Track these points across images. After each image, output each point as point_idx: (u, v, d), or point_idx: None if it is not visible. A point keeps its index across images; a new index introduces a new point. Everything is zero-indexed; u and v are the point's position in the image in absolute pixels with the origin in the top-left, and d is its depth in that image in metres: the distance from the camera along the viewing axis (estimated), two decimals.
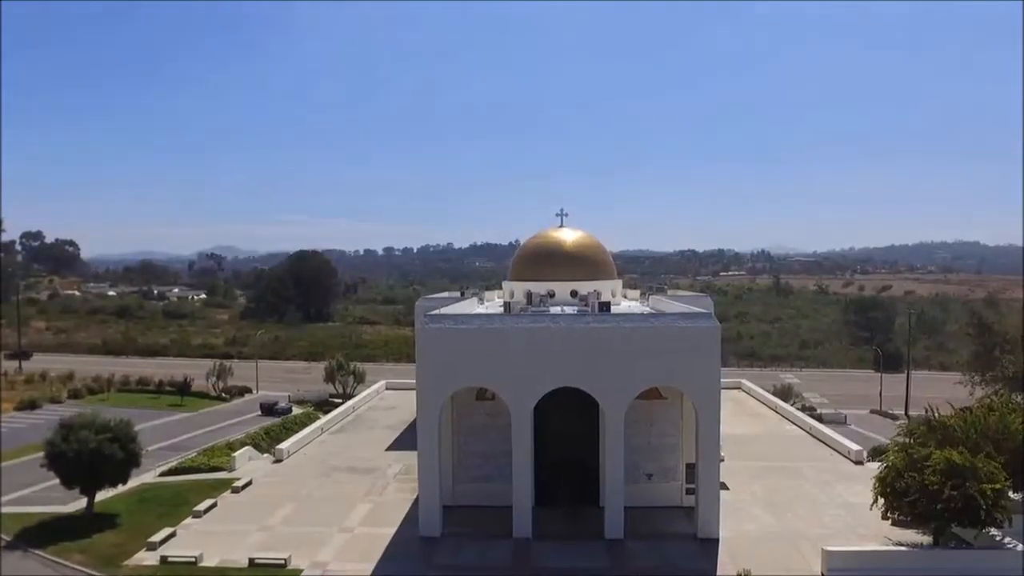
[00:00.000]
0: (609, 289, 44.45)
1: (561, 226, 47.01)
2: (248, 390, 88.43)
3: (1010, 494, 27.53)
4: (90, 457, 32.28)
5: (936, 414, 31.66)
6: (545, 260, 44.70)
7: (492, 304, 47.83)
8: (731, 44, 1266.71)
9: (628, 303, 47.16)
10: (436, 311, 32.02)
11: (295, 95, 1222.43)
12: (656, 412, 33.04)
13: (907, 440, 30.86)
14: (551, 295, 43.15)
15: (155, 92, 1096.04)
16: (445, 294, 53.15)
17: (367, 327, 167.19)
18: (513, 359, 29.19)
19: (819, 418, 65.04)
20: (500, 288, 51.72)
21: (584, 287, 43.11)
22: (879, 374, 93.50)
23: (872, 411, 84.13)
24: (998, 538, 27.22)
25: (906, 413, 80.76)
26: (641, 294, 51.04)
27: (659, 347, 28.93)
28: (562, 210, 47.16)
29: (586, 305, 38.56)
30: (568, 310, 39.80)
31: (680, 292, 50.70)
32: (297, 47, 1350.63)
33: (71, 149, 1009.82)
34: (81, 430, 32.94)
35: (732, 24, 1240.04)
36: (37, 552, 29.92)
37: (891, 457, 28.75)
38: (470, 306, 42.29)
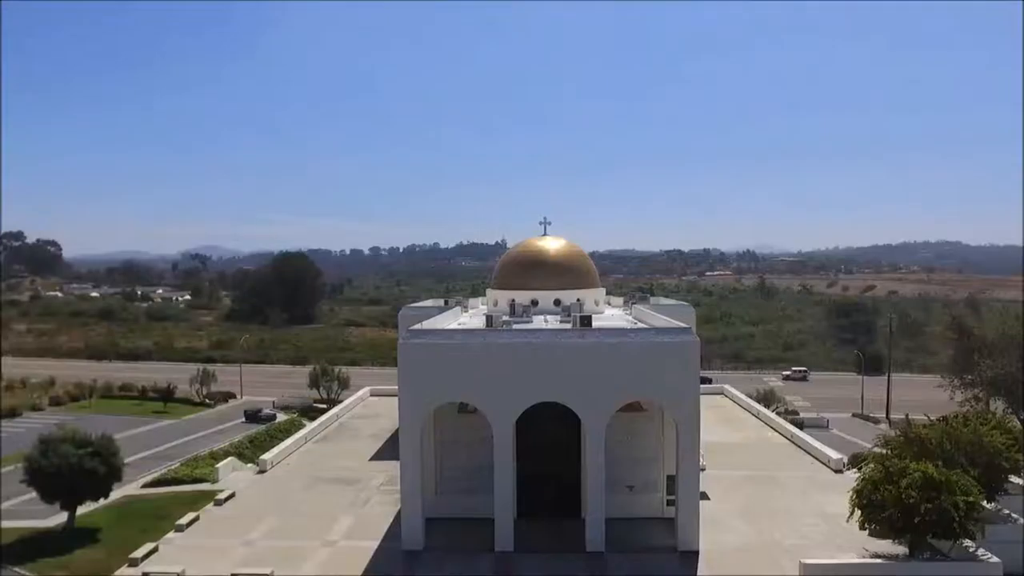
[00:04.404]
0: (592, 298, 44.74)
1: (544, 234, 47.21)
2: (232, 396, 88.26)
3: (983, 503, 28.01)
4: (71, 472, 32.09)
5: (911, 427, 32.02)
6: (528, 269, 44.90)
7: (476, 312, 48.00)
8: (717, 44, 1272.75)
9: (611, 311, 47.48)
10: (417, 325, 32.09)
11: (281, 94, 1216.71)
12: (637, 424, 33.27)
13: (884, 451, 31.34)
14: (534, 304, 43.40)
15: (138, 90, 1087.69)
16: (429, 302, 53.17)
17: (352, 329, 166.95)
18: (494, 374, 29.35)
19: (801, 423, 65.76)
20: (485, 293, 51.91)
21: (567, 296, 43.37)
22: (861, 377, 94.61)
23: (854, 415, 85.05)
24: (972, 549, 27.64)
25: (887, 417, 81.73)
26: (624, 302, 51.31)
27: (639, 362, 29.19)
28: (545, 218, 47.47)
29: (568, 315, 38.77)
30: (551, 319, 40.11)
31: (663, 301, 50.88)
32: (284, 46, 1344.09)
33: (52, 147, 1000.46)
34: (61, 445, 32.77)
35: (719, 23, 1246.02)
36: (16, 569, 29.71)
37: (868, 469, 29.14)
38: (453, 316, 42.43)
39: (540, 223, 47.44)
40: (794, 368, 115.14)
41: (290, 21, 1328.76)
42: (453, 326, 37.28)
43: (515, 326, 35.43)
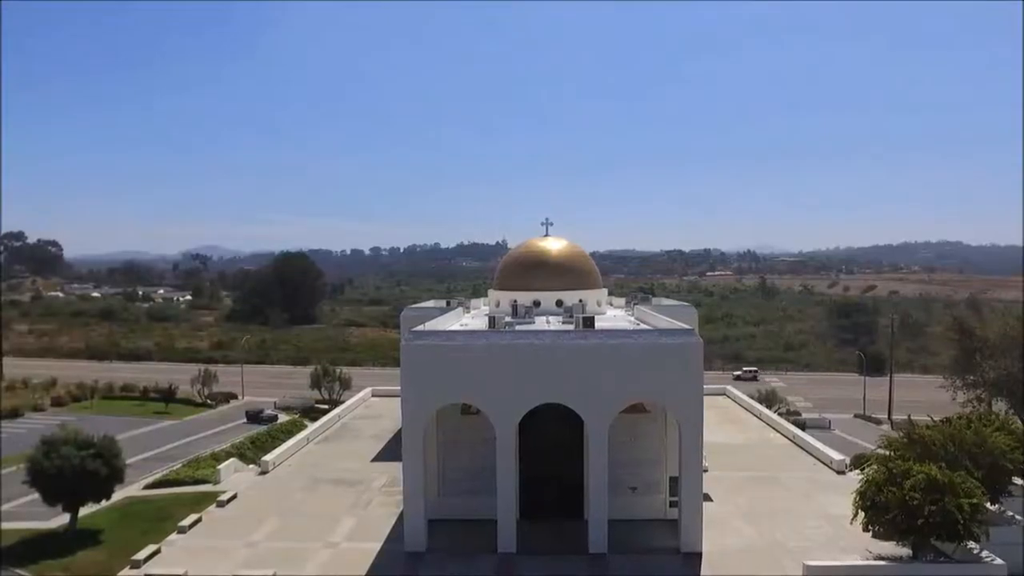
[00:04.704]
0: (594, 299, 44.69)
1: (546, 235, 47.18)
2: (234, 396, 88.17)
3: (987, 504, 27.95)
4: (73, 474, 32.03)
5: (914, 428, 31.94)
6: (530, 270, 44.86)
7: (478, 313, 47.97)
8: (717, 44, 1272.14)
9: (613, 312, 47.41)
10: (420, 327, 32.04)
11: (281, 93, 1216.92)
12: (640, 426, 33.20)
13: (887, 453, 31.26)
14: (536, 305, 43.33)
15: (138, 90, 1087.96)
16: (431, 303, 53.17)
17: (353, 329, 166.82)
18: (497, 376, 29.29)
19: (803, 424, 65.73)
20: (486, 294, 51.82)
21: (569, 297, 43.31)
22: (863, 377, 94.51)
23: (856, 415, 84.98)
24: (976, 551, 27.59)
25: (889, 417, 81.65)
26: (626, 303, 51.24)
27: (642, 363, 29.11)
28: (547, 219, 47.45)
29: (571, 316, 38.71)
30: (553, 320, 40.04)
31: (664, 301, 50.82)
32: (283, 45, 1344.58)
33: (52, 147, 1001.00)
34: (63, 446, 32.70)
35: (719, 23, 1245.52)
36: (18, 571, 29.67)
37: (871, 471, 29.07)
38: (455, 317, 42.37)
39: (542, 224, 47.45)
40: (744, 368, 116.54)
41: (290, 21, 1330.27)
42: (455, 327, 37.23)
43: (517, 327, 35.39)
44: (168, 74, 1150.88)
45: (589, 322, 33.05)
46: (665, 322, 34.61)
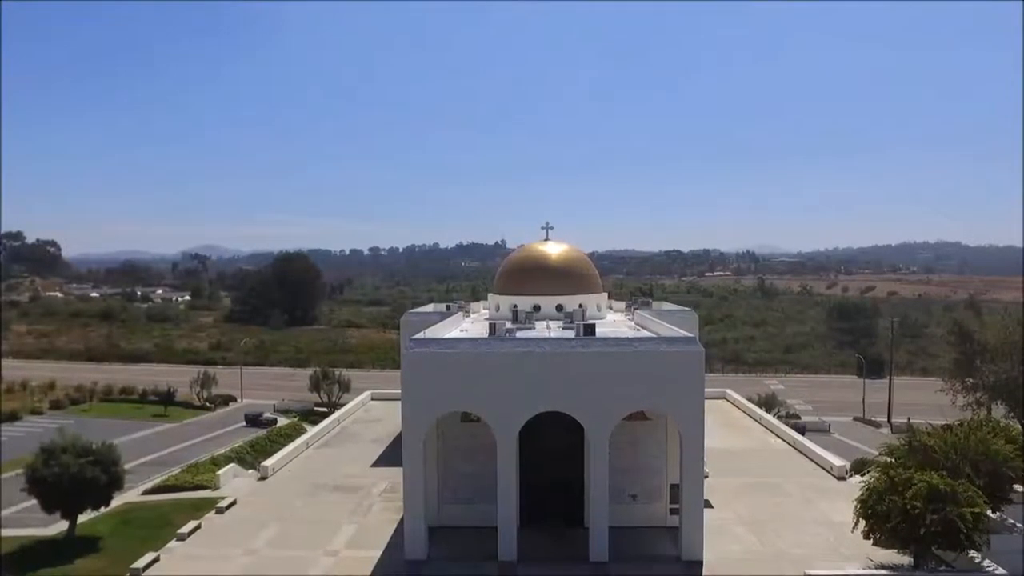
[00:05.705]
0: (594, 303, 44.63)
1: (547, 239, 47.13)
2: (233, 399, 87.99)
3: (988, 513, 27.89)
4: (71, 481, 31.98)
5: (916, 435, 31.90)
6: (530, 275, 44.80)
7: (477, 317, 47.88)
8: (716, 45, 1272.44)
9: (613, 316, 47.35)
10: (421, 334, 31.96)
11: (280, 94, 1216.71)
12: (641, 433, 33.10)
13: (888, 460, 31.21)
14: (536, 309, 43.27)
15: (138, 90, 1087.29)
16: (431, 307, 53.13)
17: (353, 331, 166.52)
18: (498, 384, 29.18)
19: (802, 428, 65.64)
20: (486, 296, 51.73)
21: (569, 302, 43.23)
22: (862, 380, 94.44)
23: (855, 418, 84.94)
24: (977, 560, 27.54)
25: (888, 420, 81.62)
26: (626, 307, 51.17)
27: (643, 372, 29.03)
28: (547, 223, 47.46)
29: (571, 321, 38.63)
30: (553, 325, 39.93)
31: (665, 306, 50.73)
32: (283, 46, 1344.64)
33: (51, 147, 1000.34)
34: (62, 454, 32.64)
35: (718, 24, 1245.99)
36: None
37: (872, 479, 29.02)
38: (455, 322, 42.27)
39: (542, 228, 47.44)
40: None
41: (291, 21, 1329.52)
42: (455, 333, 37.14)
43: (518, 333, 35.28)
44: (168, 74, 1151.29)
45: (590, 330, 32.92)
46: (666, 328, 34.52)
